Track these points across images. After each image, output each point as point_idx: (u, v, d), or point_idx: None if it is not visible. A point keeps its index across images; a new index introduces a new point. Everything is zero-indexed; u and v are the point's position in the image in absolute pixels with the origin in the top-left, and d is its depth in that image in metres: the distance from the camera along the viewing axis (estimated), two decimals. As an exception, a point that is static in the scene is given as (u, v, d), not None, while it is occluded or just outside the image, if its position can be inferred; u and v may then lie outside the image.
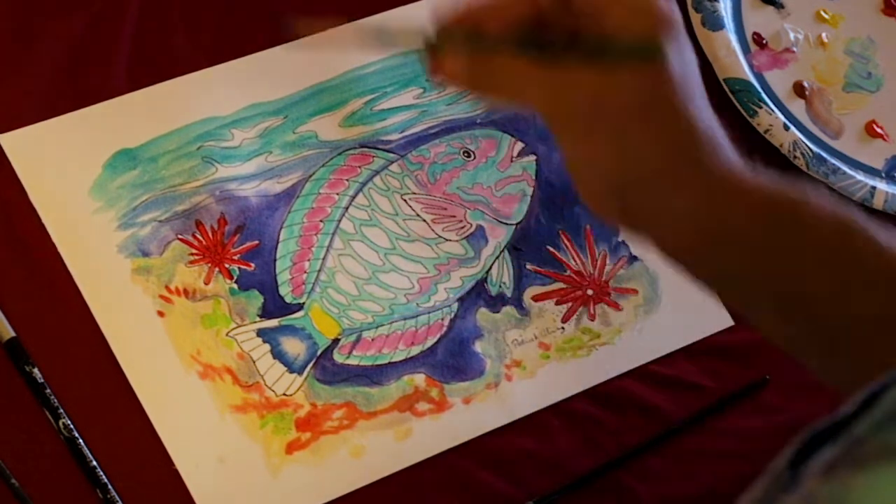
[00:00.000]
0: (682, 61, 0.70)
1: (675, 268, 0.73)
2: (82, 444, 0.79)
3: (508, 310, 0.88)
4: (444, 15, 0.72)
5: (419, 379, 0.85)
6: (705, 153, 0.69)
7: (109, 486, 0.78)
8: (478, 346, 0.87)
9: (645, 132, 0.69)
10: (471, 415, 0.85)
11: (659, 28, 0.69)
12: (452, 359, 0.86)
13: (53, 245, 0.84)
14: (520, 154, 0.93)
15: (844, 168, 0.94)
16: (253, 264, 0.86)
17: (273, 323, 0.85)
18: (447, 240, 0.89)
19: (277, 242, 0.87)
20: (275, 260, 0.86)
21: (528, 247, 0.90)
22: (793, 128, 0.94)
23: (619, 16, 0.69)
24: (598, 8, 0.69)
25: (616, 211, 0.72)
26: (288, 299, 0.86)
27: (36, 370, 0.80)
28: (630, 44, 0.68)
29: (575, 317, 0.89)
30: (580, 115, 0.69)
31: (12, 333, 0.81)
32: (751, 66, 0.97)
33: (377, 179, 0.90)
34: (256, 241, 0.87)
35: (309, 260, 0.87)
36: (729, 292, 0.75)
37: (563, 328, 0.88)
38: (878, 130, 0.99)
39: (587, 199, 0.73)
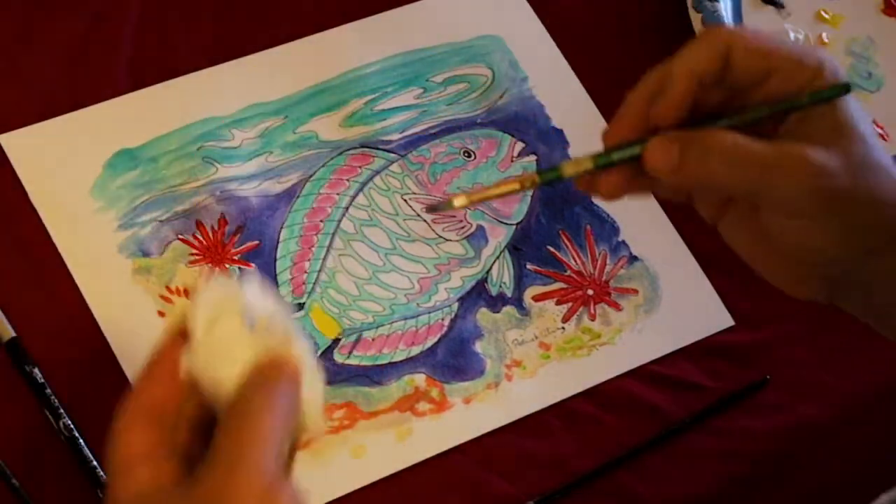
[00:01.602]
0: (865, 116, 0.68)
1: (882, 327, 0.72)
2: (82, 444, 0.79)
3: (509, 310, 0.88)
4: (614, 132, 0.69)
5: (419, 379, 0.85)
6: None
7: (110, 486, 0.78)
8: (478, 346, 0.87)
9: (865, 203, 0.67)
10: (471, 415, 0.85)
11: (835, 75, 0.67)
12: (453, 359, 0.86)
13: (53, 245, 0.84)
14: (520, 154, 0.93)
15: (844, 168, 0.94)
16: (253, 264, 0.86)
17: (273, 323, 0.85)
18: (447, 240, 0.89)
19: (278, 242, 0.87)
20: (275, 260, 0.86)
21: (528, 247, 0.90)
22: (793, 128, 0.94)
23: (785, 79, 0.67)
24: (760, 74, 0.68)
25: (819, 289, 0.71)
26: (288, 299, 0.85)
27: (36, 370, 0.80)
28: (821, 92, 0.67)
29: (575, 317, 0.89)
30: (806, 197, 0.66)
31: (12, 333, 0.81)
32: (751, 67, 0.97)
33: (377, 179, 0.90)
34: (257, 241, 0.87)
35: (309, 260, 0.87)
36: None
37: (563, 328, 0.88)
38: (878, 130, 0.99)
39: (781, 283, 0.71)
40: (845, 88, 0.67)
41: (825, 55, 0.68)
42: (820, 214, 0.67)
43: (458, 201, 0.68)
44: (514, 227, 0.91)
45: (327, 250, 0.87)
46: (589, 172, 0.68)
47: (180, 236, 0.86)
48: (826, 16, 1.02)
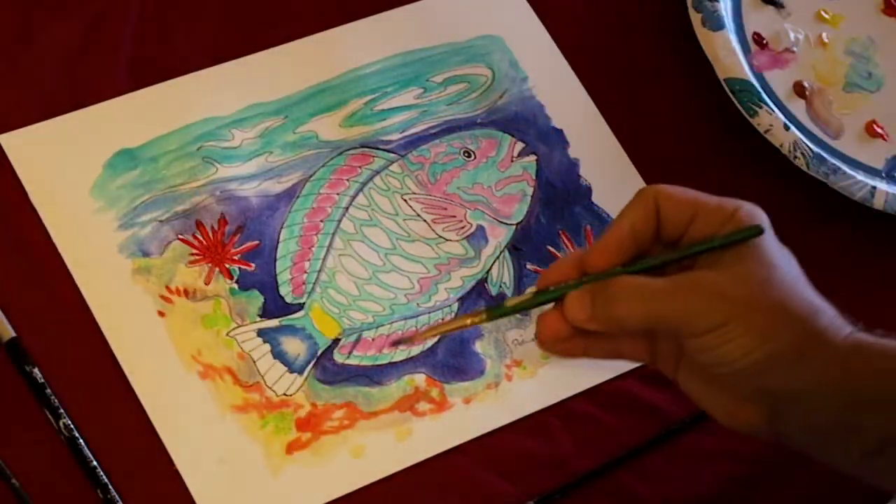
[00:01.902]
0: (782, 249, 0.75)
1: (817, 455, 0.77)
2: (82, 444, 0.79)
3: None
4: (552, 272, 0.77)
5: (419, 379, 0.85)
6: (826, 323, 0.73)
7: (110, 486, 0.78)
8: (478, 346, 0.87)
9: (768, 312, 0.73)
10: (471, 415, 0.85)
11: (751, 219, 0.74)
12: (453, 359, 0.86)
13: (53, 245, 0.84)
14: (520, 154, 0.93)
15: (844, 168, 0.94)
16: (253, 264, 0.86)
17: (273, 323, 0.85)
18: (447, 240, 0.89)
19: (278, 242, 0.87)
20: (275, 260, 0.86)
21: (528, 247, 0.90)
22: (793, 128, 0.94)
23: (707, 223, 0.75)
24: (686, 221, 0.75)
25: (755, 413, 0.76)
26: (288, 299, 0.86)
27: (36, 370, 0.80)
28: (733, 234, 0.74)
29: (575, 317, 0.89)
30: (705, 311, 0.73)
31: (12, 333, 0.81)
32: (751, 66, 0.97)
33: (377, 179, 0.90)
34: (257, 241, 0.87)
35: (309, 260, 0.87)
36: (830, 448, 0.78)
37: (563, 328, 0.88)
38: (878, 130, 0.99)
39: (721, 417, 0.77)
40: (757, 231, 0.73)
41: (744, 203, 0.75)
42: (726, 324, 0.72)
43: (417, 339, 0.81)
44: (514, 227, 0.91)
45: (327, 250, 0.87)
46: (528, 307, 0.76)
47: (180, 236, 0.86)
48: (826, 16, 1.02)
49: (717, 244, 0.74)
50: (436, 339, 0.86)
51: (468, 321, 0.77)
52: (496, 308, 0.77)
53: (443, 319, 0.86)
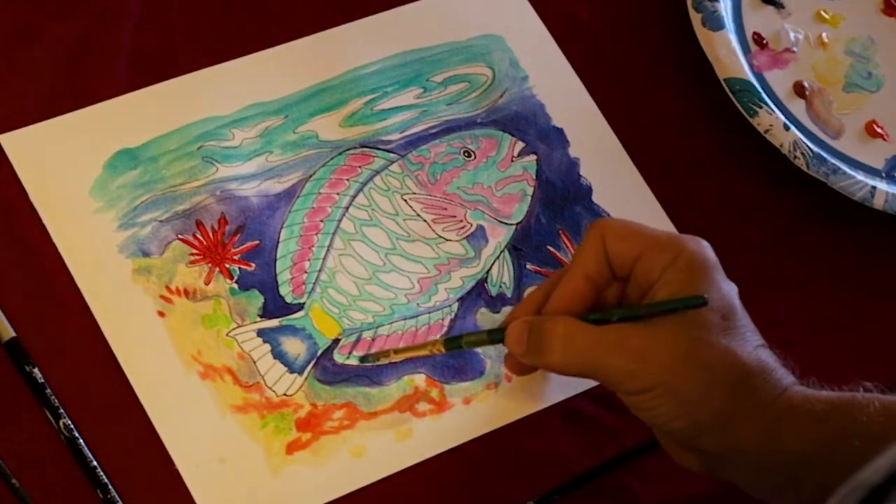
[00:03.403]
0: (722, 297, 0.74)
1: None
2: (82, 444, 0.79)
3: (508, 310, 0.88)
4: (517, 311, 0.80)
5: (419, 379, 0.85)
6: (755, 385, 0.73)
7: (110, 486, 0.78)
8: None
9: (694, 378, 0.73)
10: (471, 415, 0.85)
11: (701, 278, 0.74)
12: (453, 359, 0.86)
13: (54, 245, 0.84)
14: (520, 154, 0.93)
15: (844, 168, 0.94)
16: (253, 264, 0.86)
17: (273, 323, 0.85)
18: (447, 240, 0.89)
19: (278, 242, 0.87)
20: (275, 260, 0.86)
21: (528, 247, 0.90)
22: (793, 128, 0.94)
23: (653, 261, 0.75)
24: (649, 276, 0.75)
25: (695, 460, 0.77)
26: (288, 299, 0.86)
27: (36, 370, 0.80)
28: (675, 301, 0.74)
29: (575, 317, 0.89)
30: (631, 373, 0.73)
31: (12, 333, 0.81)
32: (751, 66, 0.97)
33: (377, 179, 0.90)
34: (257, 241, 0.87)
35: (309, 260, 0.87)
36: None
37: (563, 328, 0.88)
38: (878, 130, 0.99)
39: (669, 452, 0.79)
40: (701, 301, 0.73)
41: (689, 241, 0.75)
42: (652, 388, 0.73)
43: (384, 359, 0.82)
44: (514, 226, 0.91)
45: (327, 250, 0.87)
46: (484, 343, 0.80)
47: (180, 236, 0.86)
48: (826, 16, 1.02)
49: (661, 309, 0.74)
50: (437, 338, 0.86)
51: (427, 351, 0.81)
52: (452, 340, 0.81)
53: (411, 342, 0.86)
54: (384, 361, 0.83)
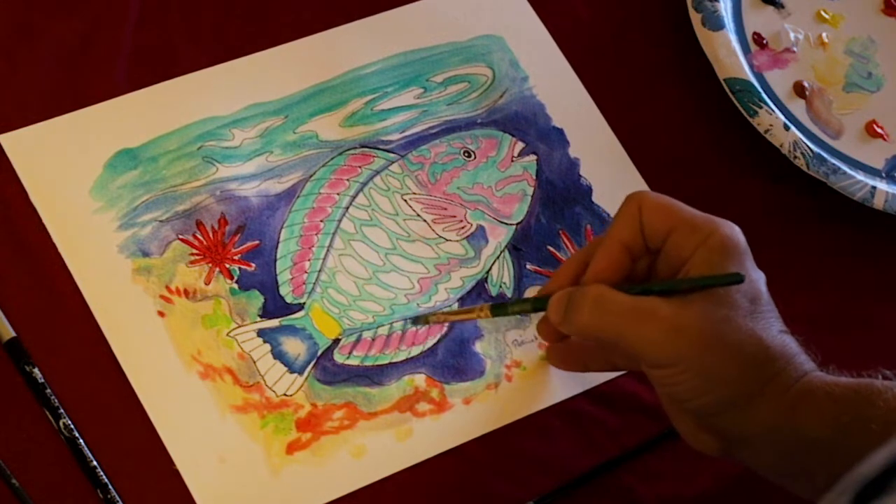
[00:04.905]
0: (751, 281, 0.75)
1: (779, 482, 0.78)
2: (83, 444, 0.79)
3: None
4: (553, 283, 0.81)
5: (419, 379, 0.85)
6: (778, 368, 0.74)
7: (110, 486, 0.78)
8: (478, 347, 0.87)
9: (721, 356, 0.73)
10: (471, 415, 0.85)
11: (731, 260, 0.74)
12: (453, 359, 0.86)
13: (54, 245, 0.84)
14: (520, 154, 0.93)
15: (844, 168, 0.94)
16: (253, 264, 0.86)
17: (273, 323, 0.85)
18: (447, 240, 0.89)
19: (278, 242, 0.87)
20: (275, 260, 0.86)
21: (528, 247, 0.90)
22: (793, 128, 0.94)
23: (683, 239, 0.75)
24: (680, 252, 0.76)
25: (712, 442, 0.77)
26: (288, 299, 0.86)
27: (36, 370, 0.80)
28: (713, 277, 0.74)
29: (575, 317, 0.89)
30: (659, 345, 0.74)
31: (12, 333, 0.81)
32: (751, 66, 0.97)
33: (378, 179, 0.90)
34: (257, 241, 0.87)
35: (309, 260, 0.87)
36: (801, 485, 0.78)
37: (563, 328, 0.88)
38: (878, 130, 0.99)
39: (684, 436, 0.78)
40: (738, 279, 0.74)
41: (721, 224, 0.75)
42: (677, 364, 0.73)
43: (433, 319, 0.84)
44: (514, 227, 0.91)
45: (327, 250, 0.87)
46: (527, 311, 0.82)
47: (180, 236, 0.86)
48: (826, 16, 1.02)
49: (700, 284, 0.74)
50: (436, 338, 0.86)
51: (474, 314, 0.82)
52: (498, 307, 0.81)
53: (451, 308, 0.87)
54: (433, 322, 0.84)
